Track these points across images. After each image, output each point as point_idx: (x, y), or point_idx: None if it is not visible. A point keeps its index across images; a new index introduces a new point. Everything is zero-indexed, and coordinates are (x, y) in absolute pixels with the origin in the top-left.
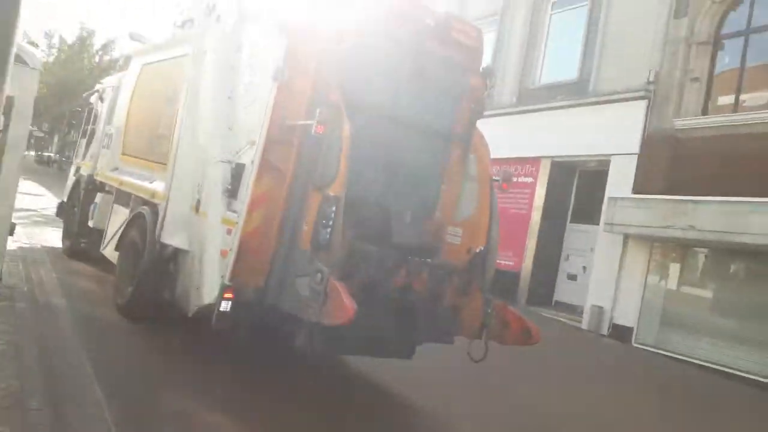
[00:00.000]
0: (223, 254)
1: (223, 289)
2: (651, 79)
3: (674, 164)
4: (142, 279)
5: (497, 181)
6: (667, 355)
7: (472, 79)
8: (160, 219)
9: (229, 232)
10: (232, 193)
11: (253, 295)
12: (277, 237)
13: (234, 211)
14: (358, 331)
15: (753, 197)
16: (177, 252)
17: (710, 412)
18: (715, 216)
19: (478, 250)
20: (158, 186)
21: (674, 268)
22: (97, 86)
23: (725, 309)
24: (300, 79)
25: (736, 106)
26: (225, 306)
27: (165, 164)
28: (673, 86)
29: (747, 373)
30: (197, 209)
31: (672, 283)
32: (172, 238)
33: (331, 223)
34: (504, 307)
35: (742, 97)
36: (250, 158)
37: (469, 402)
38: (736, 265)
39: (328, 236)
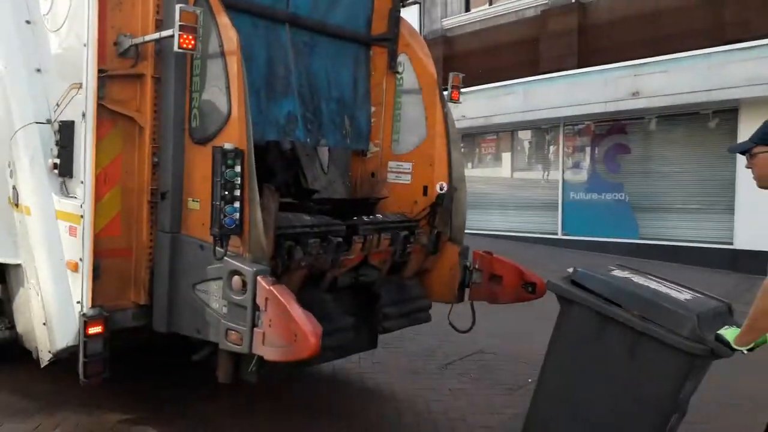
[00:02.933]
0: (72, 267)
1: (85, 322)
2: None
3: (447, 62)
4: None
5: (446, 89)
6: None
7: None
8: None
9: (72, 231)
10: (63, 169)
11: (135, 318)
12: (149, 225)
13: (74, 197)
14: None
15: (506, 81)
16: (4, 269)
17: None
18: (479, 103)
19: (439, 188)
20: None
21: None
22: None
23: (498, 184)
24: None
25: (490, 0)
26: (94, 347)
27: None
28: None
29: (523, 232)
30: (16, 203)
31: (466, 169)
32: None
33: (237, 192)
34: (489, 257)
35: None
36: (80, 110)
37: None
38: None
39: (238, 214)
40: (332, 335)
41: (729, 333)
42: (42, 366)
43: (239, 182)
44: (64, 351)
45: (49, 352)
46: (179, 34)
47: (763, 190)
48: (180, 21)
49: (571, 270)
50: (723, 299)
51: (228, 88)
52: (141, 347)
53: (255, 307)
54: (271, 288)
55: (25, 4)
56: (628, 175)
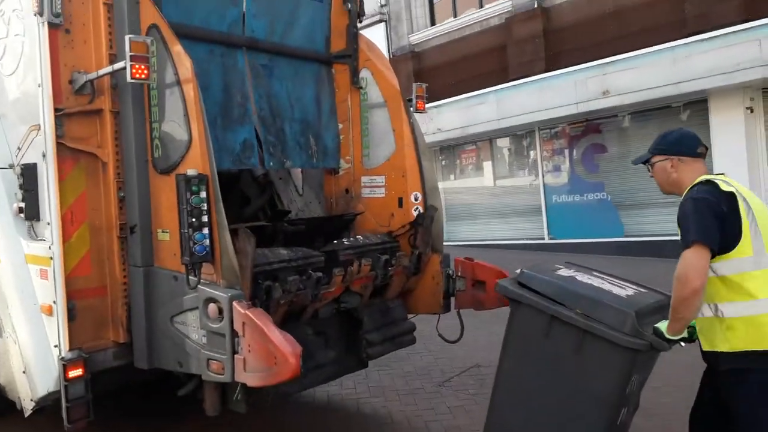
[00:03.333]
0: (47, 311)
1: (64, 366)
2: (383, 2)
3: (418, 77)
4: None
5: (410, 101)
6: (451, 244)
7: None
8: None
9: (43, 274)
10: (29, 212)
11: (116, 357)
12: (121, 260)
13: (42, 239)
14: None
15: (477, 90)
16: None
17: None
18: (452, 115)
19: (413, 198)
20: None
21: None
22: None
23: (481, 194)
24: (82, 5)
25: (455, 12)
26: (76, 390)
27: None
28: (402, 6)
29: (510, 240)
30: None
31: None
32: None
33: (205, 218)
34: (471, 263)
35: (458, 1)
36: (41, 151)
37: None
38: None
39: (207, 241)
40: (314, 372)
41: (663, 325)
42: (26, 415)
43: (206, 208)
44: (46, 398)
45: (32, 400)
46: (131, 65)
47: None
48: (130, 51)
49: (518, 271)
50: (666, 293)
51: (187, 115)
52: (125, 386)
53: (233, 334)
54: (247, 312)
55: None
56: (607, 174)
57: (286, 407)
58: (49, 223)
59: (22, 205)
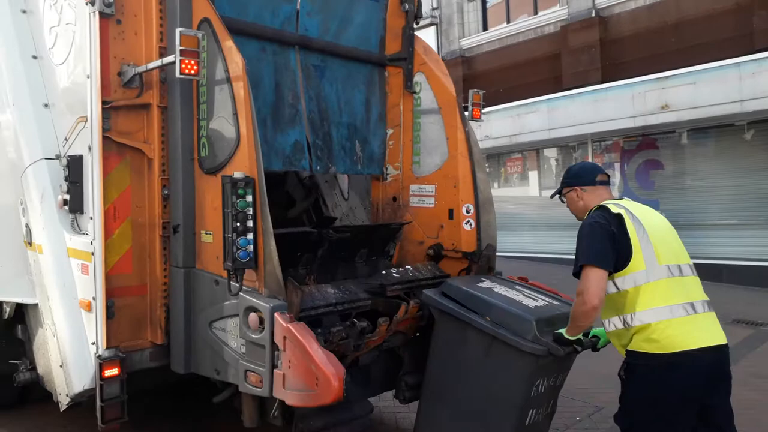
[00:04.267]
0: (86, 307)
1: (101, 364)
2: (434, 5)
3: (467, 82)
4: None
5: (466, 108)
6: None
7: None
8: None
9: (84, 269)
10: (73, 205)
11: (153, 358)
12: (162, 260)
13: (85, 233)
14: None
15: (529, 99)
16: (23, 310)
17: None
18: (502, 123)
19: (465, 210)
20: None
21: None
22: None
23: (527, 204)
24: None
25: (508, 18)
26: (111, 390)
27: None
28: (454, 10)
29: (557, 253)
30: (29, 242)
31: (492, 189)
32: (5, 290)
33: (250, 223)
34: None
35: (512, 7)
36: (88, 143)
37: None
38: (525, 164)
39: (251, 246)
40: (351, 423)
41: (563, 330)
42: (62, 410)
43: (251, 212)
44: (82, 395)
45: (67, 395)
46: (180, 59)
47: None
48: (181, 46)
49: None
50: None
51: (236, 114)
52: (160, 385)
53: (273, 347)
54: (289, 326)
55: (32, 39)
56: (662, 192)
57: None
58: (92, 218)
59: (67, 197)
